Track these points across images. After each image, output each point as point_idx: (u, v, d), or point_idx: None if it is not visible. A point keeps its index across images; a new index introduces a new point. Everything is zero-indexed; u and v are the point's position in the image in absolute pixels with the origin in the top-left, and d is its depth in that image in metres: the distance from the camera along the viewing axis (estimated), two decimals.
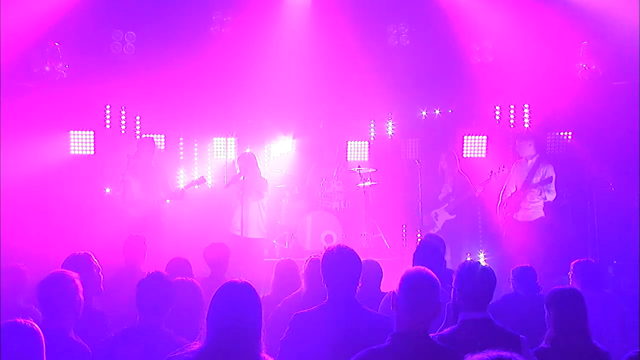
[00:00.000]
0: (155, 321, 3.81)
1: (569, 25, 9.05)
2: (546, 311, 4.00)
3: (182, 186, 9.15)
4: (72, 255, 4.63)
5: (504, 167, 8.86)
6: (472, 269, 3.73)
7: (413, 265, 4.95)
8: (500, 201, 8.83)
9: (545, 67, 9.22)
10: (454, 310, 3.75)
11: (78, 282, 3.87)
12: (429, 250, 5.17)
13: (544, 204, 8.65)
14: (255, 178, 8.68)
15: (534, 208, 8.66)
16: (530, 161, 8.74)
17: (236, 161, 9.07)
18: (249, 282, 3.15)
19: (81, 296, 3.86)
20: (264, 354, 3.02)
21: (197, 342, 3.05)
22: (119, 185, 8.54)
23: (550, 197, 8.58)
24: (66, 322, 3.76)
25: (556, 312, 3.91)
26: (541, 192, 8.54)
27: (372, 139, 10.37)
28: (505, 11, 9.18)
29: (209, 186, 9.78)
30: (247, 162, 8.74)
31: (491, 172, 8.91)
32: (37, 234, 8.62)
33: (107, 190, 9.07)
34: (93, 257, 4.63)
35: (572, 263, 5.84)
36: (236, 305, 3.02)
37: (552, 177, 8.56)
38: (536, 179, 8.60)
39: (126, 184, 8.52)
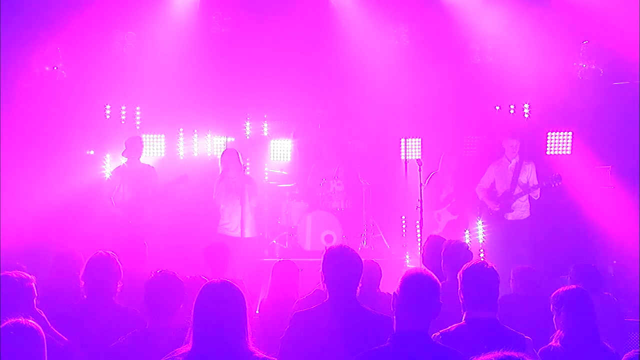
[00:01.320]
0: (165, 321, 3.73)
1: (569, 25, 9.05)
2: (554, 311, 4.01)
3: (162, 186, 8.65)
4: (98, 256, 4.40)
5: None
6: (474, 270, 3.72)
7: (445, 266, 4.92)
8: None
9: (545, 67, 9.21)
10: (462, 309, 3.75)
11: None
12: (464, 249, 5.14)
13: (534, 203, 8.80)
14: (241, 174, 8.28)
15: (524, 207, 8.83)
16: (514, 160, 8.80)
17: (219, 159, 8.65)
18: (228, 281, 3.16)
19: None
20: (251, 348, 3.03)
21: (186, 345, 3.06)
22: (109, 187, 8.42)
23: (537, 194, 8.74)
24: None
25: (566, 312, 3.93)
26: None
27: (371, 139, 10.36)
28: (505, 11, 9.19)
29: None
30: (229, 158, 8.38)
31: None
32: (37, 234, 8.59)
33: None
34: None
35: (571, 266, 5.84)
36: (216, 305, 3.03)
37: (535, 176, 8.74)
38: (523, 177, 8.74)
39: (114, 184, 8.40)
